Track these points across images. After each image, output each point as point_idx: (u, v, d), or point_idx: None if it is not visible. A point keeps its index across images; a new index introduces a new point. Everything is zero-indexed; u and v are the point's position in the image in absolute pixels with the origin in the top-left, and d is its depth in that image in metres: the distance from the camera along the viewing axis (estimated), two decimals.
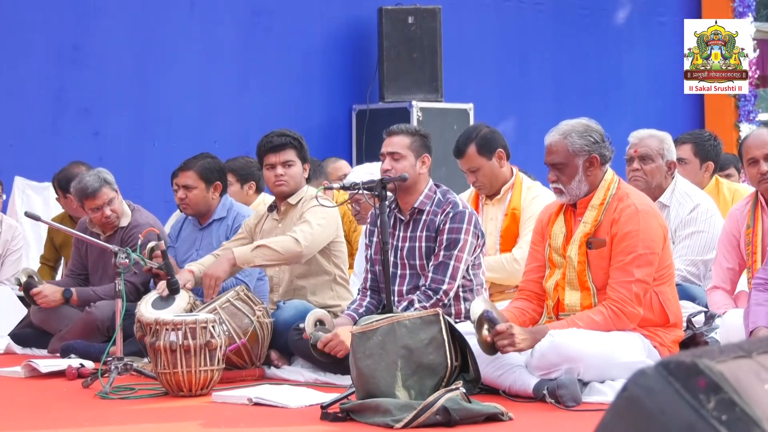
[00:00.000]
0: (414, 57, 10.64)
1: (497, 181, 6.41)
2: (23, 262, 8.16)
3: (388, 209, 5.58)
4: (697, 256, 6.17)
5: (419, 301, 5.43)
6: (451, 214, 5.54)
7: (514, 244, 6.35)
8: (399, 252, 5.64)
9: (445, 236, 5.52)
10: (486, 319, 4.89)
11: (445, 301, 5.49)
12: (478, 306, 4.98)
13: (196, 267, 6.26)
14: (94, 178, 6.92)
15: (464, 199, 6.52)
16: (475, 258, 5.62)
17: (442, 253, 5.51)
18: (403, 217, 5.66)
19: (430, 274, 5.51)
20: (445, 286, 5.48)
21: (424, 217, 5.60)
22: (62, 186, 7.77)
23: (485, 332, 4.90)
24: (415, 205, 5.61)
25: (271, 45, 10.55)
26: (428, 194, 5.63)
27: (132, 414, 5.03)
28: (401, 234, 5.65)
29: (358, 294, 5.81)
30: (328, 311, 6.10)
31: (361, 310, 5.61)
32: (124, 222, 7.03)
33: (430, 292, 5.47)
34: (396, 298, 5.55)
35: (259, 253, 6.03)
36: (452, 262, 5.50)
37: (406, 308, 5.35)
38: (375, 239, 5.68)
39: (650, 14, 12.91)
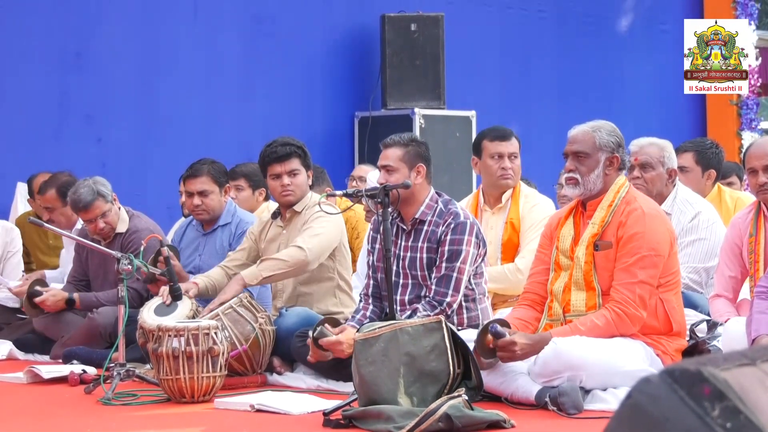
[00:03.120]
0: (416, 64, 10.65)
1: (518, 177, 6.54)
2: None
3: (390, 217, 5.59)
4: (699, 264, 6.18)
5: (423, 310, 5.44)
6: (452, 225, 5.54)
7: (515, 254, 6.37)
8: (401, 261, 5.64)
9: (446, 248, 5.52)
10: (491, 332, 4.90)
11: (449, 313, 5.49)
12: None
13: (201, 280, 6.26)
14: (87, 191, 6.90)
15: (463, 205, 6.56)
16: (477, 267, 5.62)
17: (444, 265, 5.51)
18: (404, 227, 5.66)
19: (433, 287, 5.51)
20: (448, 299, 5.49)
21: (425, 227, 5.60)
22: (63, 193, 7.73)
23: (489, 337, 4.92)
24: (416, 216, 5.61)
25: (274, 52, 10.55)
26: (429, 204, 5.63)
27: (134, 420, 5.03)
28: (403, 243, 5.65)
29: (360, 301, 5.81)
30: (331, 318, 6.11)
31: (365, 321, 5.61)
32: (122, 228, 7.03)
33: (435, 303, 5.48)
34: (398, 308, 5.55)
35: (265, 266, 6.03)
36: (455, 275, 5.50)
37: (410, 317, 5.35)
38: (377, 246, 5.68)
39: (653, 21, 12.92)
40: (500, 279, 6.29)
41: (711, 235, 6.21)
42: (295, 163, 6.30)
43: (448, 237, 5.52)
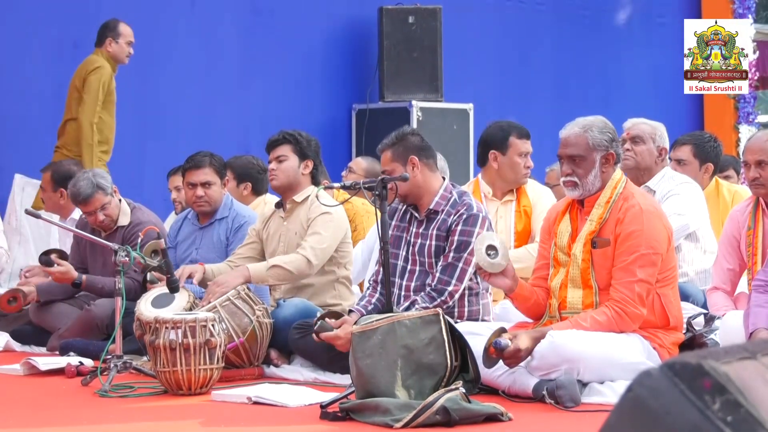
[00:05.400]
0: (414, 56, 10.64)
1: None
2: (18, 256, 8.16)
3: (403, 207, 5.64)
4: (670, 210, 6.23)
5: (423, 301, 5.45)
6: (464, 216, 5.56)
7: (528, 239, 6.45)
8: (411, 248, 5.67)
9: (456, 238, 5.54)
10: (495, 347, 4.88)
11: (450, 303, 5.50)
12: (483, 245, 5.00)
13: (207, 266, 6.30)
14: (86, 183, 6.91)
15: None
16: None
17: (451, 254, 5.53)
18: (418, 216, 5.69)
19: (437, 275, 5.53)
20: (450, 288, 5.50)
21: (438, 216, 5.63)
22: (56, 179, 7.78)
23: (492, 349, 4.90)
24: (431, 206, 5.63)
25: (272, 44, 10.54)
26: (443, 194, 5.65)
27: (131, 412, 5.03)
28: (414, 230, 5.69)
29: (368, 288, 5.82)
30: (328, 310, 6.13)
31: (369, 308, 5.62)
32: (124, 221, 7.05)
33: (434, 294, 5.49)
34: (403, 293, 5.61)
35: (273, 273, 6.08)
36: (461, 265, 5.52)
37: (408, 309, 5.37)
38: (392, 233, 5.69)
39: (651, 15, 12.91)
40: (523, 258, 6.31)
41: (686, 192, 6.33)
42: (283, 150, 6.37)
43: (459, 227, 5.55)
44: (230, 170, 7.63)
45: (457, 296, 5.53)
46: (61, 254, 7.17)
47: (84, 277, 7.01)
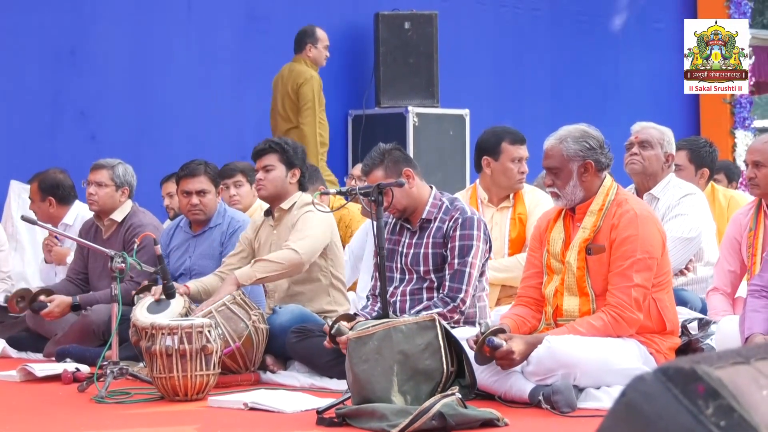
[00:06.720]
0: (410, 62, 10.65)
1: None
2: (14, 263, 8.16)
3: (393, 220, 5.65)
4: (679, 234, 6.20)
5: (435, 306, 5.46)
6: (460, 221, 5.58)
7: (523, 247, 6.42)
8: (403, 258, 5.69)
9: (457, 243, 5.55)
10: (488, 345, 4.89)
11: (463, 309, 5.52)
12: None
13: (194, 284, 6.25)
14: (110, 160, 7.26)
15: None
16: (482, 265, 5.65)
17: (456, 260, 5.54)
18: (410, 227, 5.69)
19: (447, 283, 5.55)
20: (462, 294, 5.53)
21: (432, 224, 5.64)
22: (43, 189, 7.79)
23: (486, 347, 4.91)
24: (423, 216, 5.64)
25: (268, 50, 10.54)
26: (434, 203, 5.67)
27: (127, 418, 5.02)
28: (407, 241, 5.70)
29: (368, 299, 5.84)
30: (325, 316, 6.12)
31: (373, 314, 5.62)
32: (118, 217, 7.11)
33: (447, 299, 5.51)
34: (399, 298, 5.63)
35: (259, 267, 6.03)
36: (467, 269, 5.54)
37: (419, 312, 5.38)
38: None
39: (647, 20, 12.93)
40: (512, 268, 6.31)
41: (694, 212, 6.27)
42: (270, 159, 6.35)
43: (458, 232, 5.56)
44: (240, 173, 7.67)
45: (468, 302, 5.56)
46: (44, 292, 7.11)
47: (78, 297, 7.01)
